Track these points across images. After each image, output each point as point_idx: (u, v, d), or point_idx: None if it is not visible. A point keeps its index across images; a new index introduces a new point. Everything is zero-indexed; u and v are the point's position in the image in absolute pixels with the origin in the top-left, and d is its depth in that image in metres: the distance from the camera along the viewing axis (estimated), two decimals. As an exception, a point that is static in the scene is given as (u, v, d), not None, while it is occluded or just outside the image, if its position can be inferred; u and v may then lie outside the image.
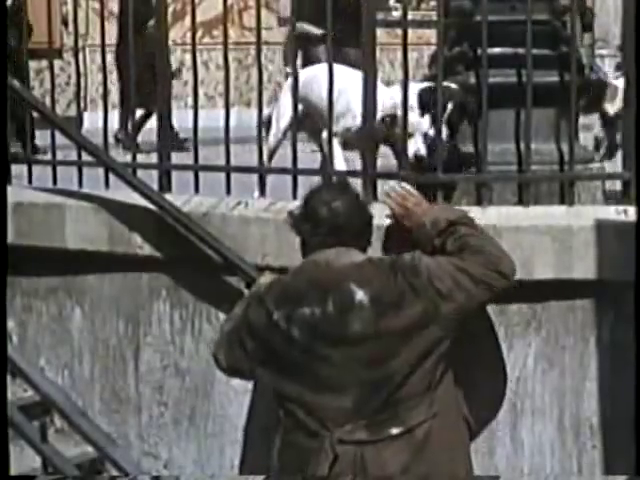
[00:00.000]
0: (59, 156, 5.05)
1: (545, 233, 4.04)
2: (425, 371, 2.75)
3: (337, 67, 4.48)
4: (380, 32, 4.89)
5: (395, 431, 2.84)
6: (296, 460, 2.88)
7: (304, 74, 5.08)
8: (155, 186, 4.56)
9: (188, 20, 7.20)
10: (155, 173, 4.73)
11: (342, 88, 4.59)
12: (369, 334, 2.80)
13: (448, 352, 2.89)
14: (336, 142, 4.63)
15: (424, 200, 3.09)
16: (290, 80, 4.87)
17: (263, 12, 4.77)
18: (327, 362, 2.82)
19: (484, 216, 4.09)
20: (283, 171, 4.61)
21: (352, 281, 2.81)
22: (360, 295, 2.79)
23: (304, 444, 2.77)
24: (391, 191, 3.08)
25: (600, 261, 3.97)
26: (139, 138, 6.47)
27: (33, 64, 6.40)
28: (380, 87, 4.48)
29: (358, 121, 4.43)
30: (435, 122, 4.33)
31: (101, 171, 4.71)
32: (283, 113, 5.16)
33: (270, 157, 5.27)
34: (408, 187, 3.13)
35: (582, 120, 4.95)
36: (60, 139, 4.92)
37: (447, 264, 2.85)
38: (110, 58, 7.83)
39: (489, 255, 2.90)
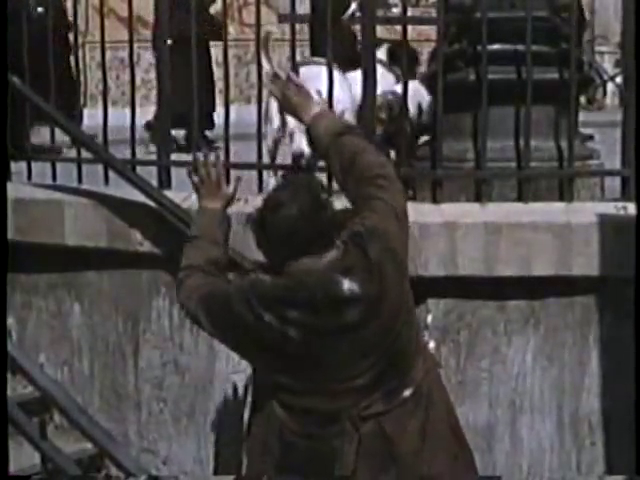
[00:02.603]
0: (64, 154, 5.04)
1: (544, 230, 4.04)
2: (413, 317, 2.80)
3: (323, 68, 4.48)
4: (380, 29, 4.90)
5: (407, 393, 2.83)
6: (305, 454, 2.86)
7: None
8: (154, 183, 4.55)
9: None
10: (154, 170, 4.72)
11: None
12: (370, 316, 2.79)
13: None
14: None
15: (309, 94, 3.02)
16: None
17: (263, 9, 4.75)
18: (335, 354, 2.80)
19: (484, 212, 4.10)
20: (282, 167, 4.61)
21: (337, 274, 2.78)
22: (348, 284, 2.78)
23: (317, 433, 2.75)
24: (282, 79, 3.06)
25: (599, 258, 3.97)
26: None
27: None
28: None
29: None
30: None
31: (100, 168, 4.70)
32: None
33: (273, 157, 5.29)
34: (297, 79, 3.08)
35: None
36: (60, 136, 4.93)
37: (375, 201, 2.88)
38: (110, 55, 7.81)
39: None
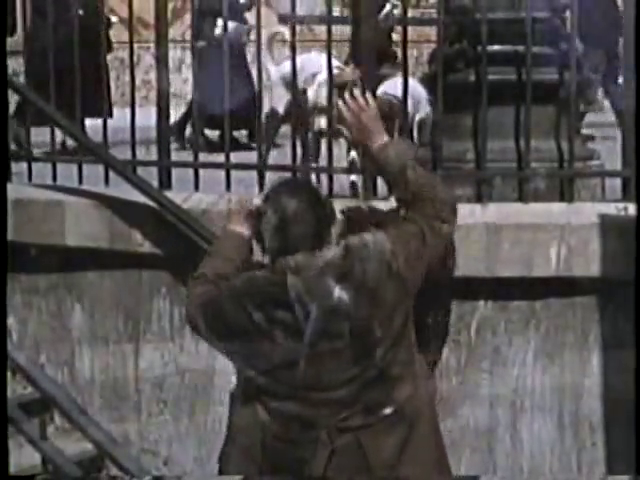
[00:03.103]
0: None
1: (545, 230, 4.04)
2: (406, 342, 2.76)
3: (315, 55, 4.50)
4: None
5: (388, 411, 2.82)
6: (284, 457, 2.85)
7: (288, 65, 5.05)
8: (155, 183, 4.55)
9: (188, 17, 7.19)
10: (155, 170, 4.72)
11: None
12: (354, 331, 2.77)
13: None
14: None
15: (379, 118, 2.89)
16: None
17: (263, 9, 4.76)
18: (316, 363, 2.78)
19: (484, 213, 4.10)
20: (282, 168, 4.61)
21: (331, 278, 2.76)
22: (339, 292, 2.76)
23: (296, 438, 2.74)
24: (348, 100, 2.97)
25: (600, 258, 3.96)
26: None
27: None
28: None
29: None
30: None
31: (101, 168, 4.70)
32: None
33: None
34: (368, 98, 2.94)
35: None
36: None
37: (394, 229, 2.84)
38: (110, 57, 7.82)
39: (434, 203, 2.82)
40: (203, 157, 5.01)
